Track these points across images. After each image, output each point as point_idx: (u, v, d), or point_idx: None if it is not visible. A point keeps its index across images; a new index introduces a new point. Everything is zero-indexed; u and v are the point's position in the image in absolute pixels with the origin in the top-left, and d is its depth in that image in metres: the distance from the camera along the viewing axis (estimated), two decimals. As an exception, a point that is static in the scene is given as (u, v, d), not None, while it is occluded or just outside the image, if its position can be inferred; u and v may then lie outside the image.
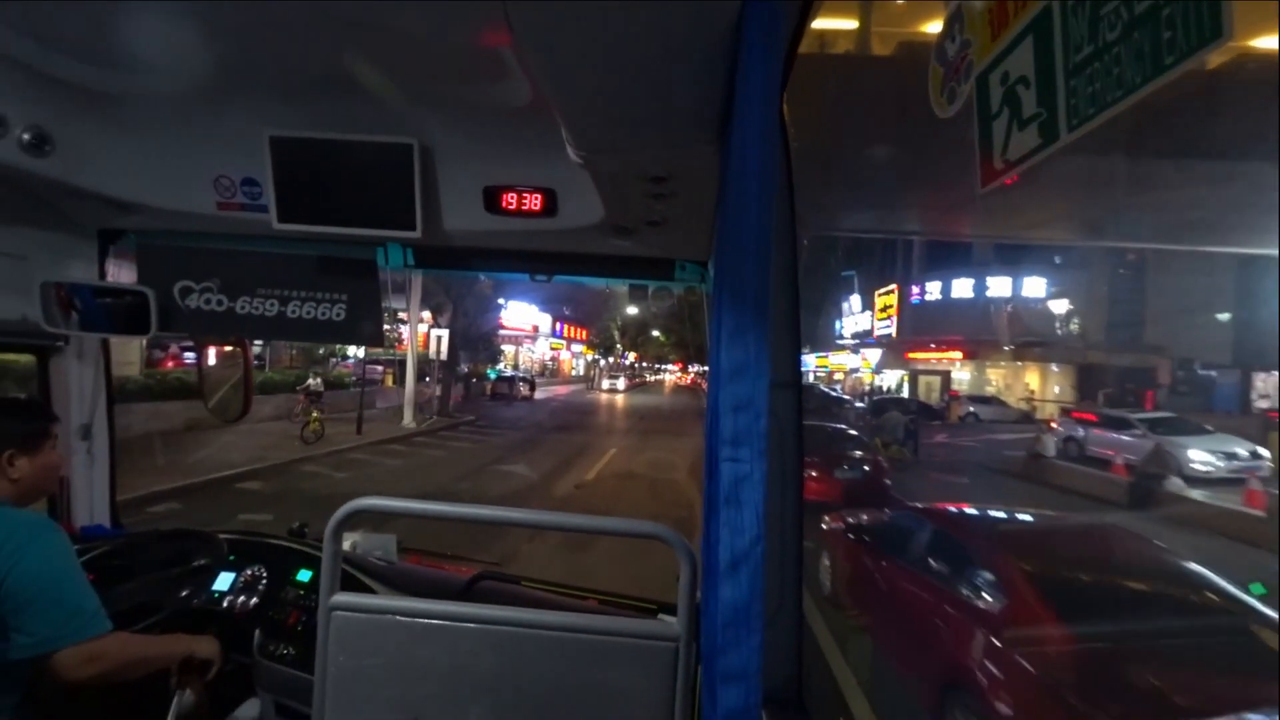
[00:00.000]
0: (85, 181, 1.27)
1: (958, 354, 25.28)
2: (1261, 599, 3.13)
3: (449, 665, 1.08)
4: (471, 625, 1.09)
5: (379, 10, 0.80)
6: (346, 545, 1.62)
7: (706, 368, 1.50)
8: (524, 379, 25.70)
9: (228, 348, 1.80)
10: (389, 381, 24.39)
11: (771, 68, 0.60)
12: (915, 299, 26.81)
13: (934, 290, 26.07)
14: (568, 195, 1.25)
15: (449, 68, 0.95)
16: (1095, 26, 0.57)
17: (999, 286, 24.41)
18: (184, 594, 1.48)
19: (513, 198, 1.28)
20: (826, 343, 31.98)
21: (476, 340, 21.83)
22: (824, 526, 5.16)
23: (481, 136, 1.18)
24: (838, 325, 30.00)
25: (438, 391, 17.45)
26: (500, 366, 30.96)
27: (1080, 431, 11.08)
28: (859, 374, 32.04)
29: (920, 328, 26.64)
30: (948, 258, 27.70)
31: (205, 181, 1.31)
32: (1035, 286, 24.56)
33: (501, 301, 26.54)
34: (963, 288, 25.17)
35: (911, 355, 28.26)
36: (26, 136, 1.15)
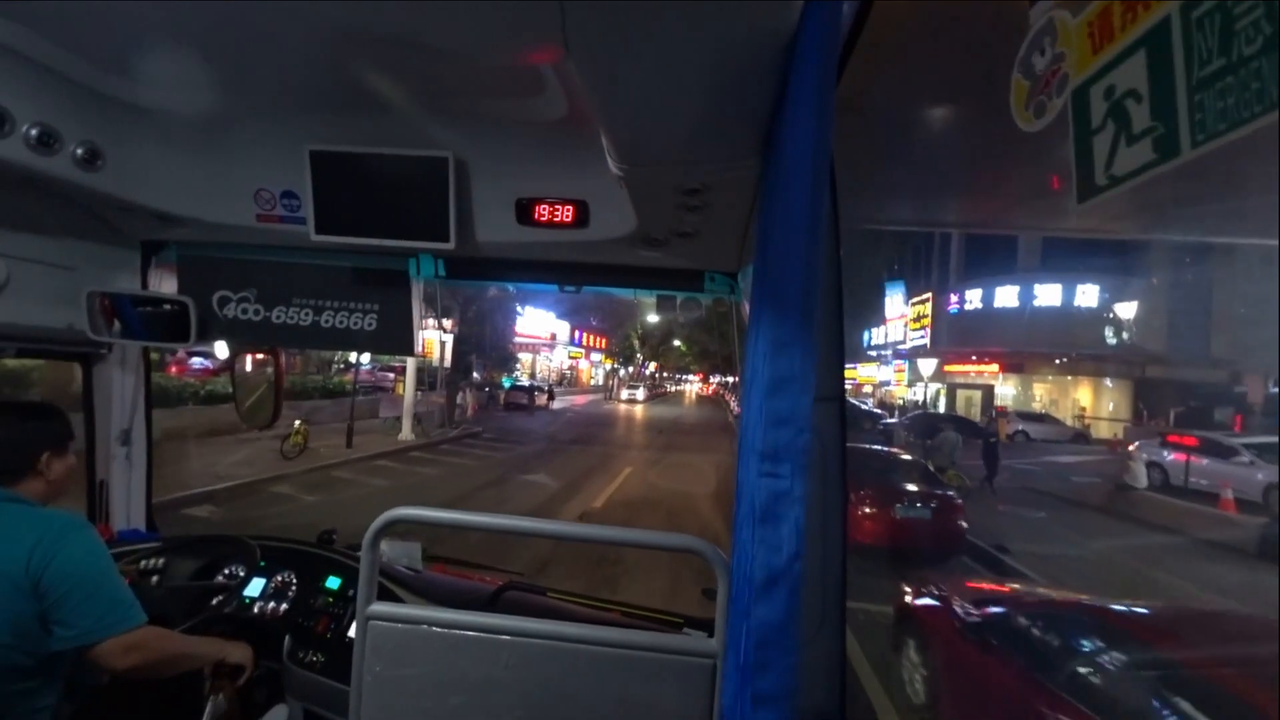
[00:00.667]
0: (133, 195, 1.31)
1: (994, 366, 23.18)
2: None
3: (483, 677, 1.08)
4: (506, 637, 1.09)
5: (433, 30, 0.81)
6: None
7: (729, 379, 1.57)
8: (540, 388, 24.44)
9: (260, 356, 1.83)
10: (400, 389, 23.17)
11: (826, 78, 0.61)
12: (954, 308, 25.51)
13: (974, 299, 24.87)
14: (600, 207, 1.27)
15: (486, 83, 0.97)
16: (1228, 40, 0.56)
17: (1048, 295, 22.98)
18: (217, 599, 1.49)
19: (545, 209, 1.30)
20: (854, 353, 28.92)
21: (490, 348, 20.70)
22: (908, 600, 3.76)
23: (515, 149, 1.20)
24: (866, 336, 28.15)
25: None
26: (517, 375, 29.79)
27: (1165, 456, 9.26)
28: (889, 387, 30.46)
29: (959, 339, 25.41)
30: (987, 265, 26.25)
31: (246, 194, 1.35)
32: (1089, 295, 22.38)
33: (518, 309, 25.29)
34: (1007, 296, 23.94)
35: (950, 368, 24.78)
36: (80, 151, 1.19)
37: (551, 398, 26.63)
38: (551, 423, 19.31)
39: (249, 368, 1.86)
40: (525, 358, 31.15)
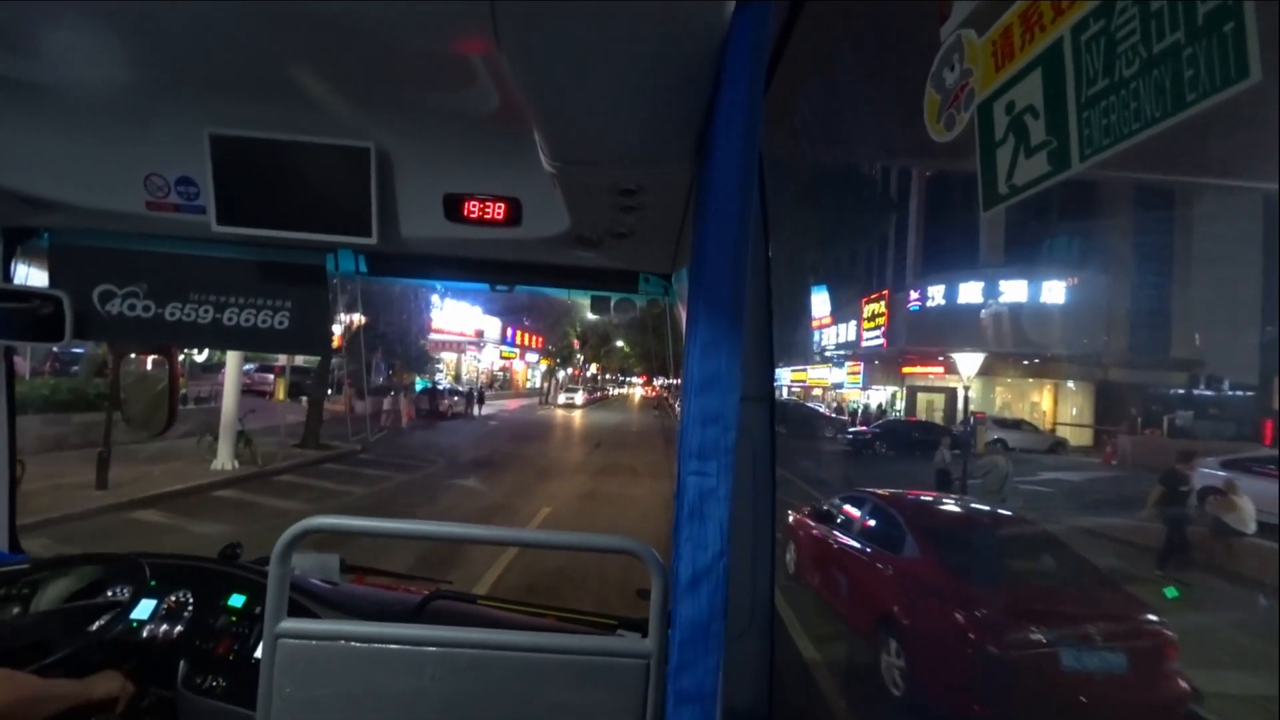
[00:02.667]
0: None
1: (932, 368, 20.93)
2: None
3: (408, 691, 1.05)
4: (431, 649, 1.06)
5: (354, 13, 0.77)
6: None
7: (673, 380, 1.57)
8: (460, 392, 20.63)
9: (151, 357, 1.69)
10: (280, 393, 18.44)
11: (756, 83, 0.63)
12: (914, 305, 24.73)
13: (937, 295, 23.91)
14: (533, 205, 1.24)
15: (413, 72, 0.94)
16: (1111, 61, 0.62)
17: (1014, 291, 22.09)
18: (96, 625, 1.39)
19: (475, 206, 1.25)
20: (803, 355, 30.28)
21: (396, 344, 16.80)
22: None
23: (444, 143, 1.17)
24: (818, 336, 25.65)
25: (361, 409, 15.77)
26: (439, 378, 25.64)
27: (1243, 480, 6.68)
28: (842, 389, 29.63)
29: (920, 338, 24.26)
30: (946, 260, 25.60)
31: (134, 179, 1.24)
32: (1055, 291, 21.99)
33: (434, 300, 21.10)
34: (971, 292, 22.97)
35: (909, 369, 24.03)
36: None
37: (480, 402, 24.67)
38: (465, 435, 16.95)
39: (140, 369, 1.69)
40: (450, 357, 26.97)
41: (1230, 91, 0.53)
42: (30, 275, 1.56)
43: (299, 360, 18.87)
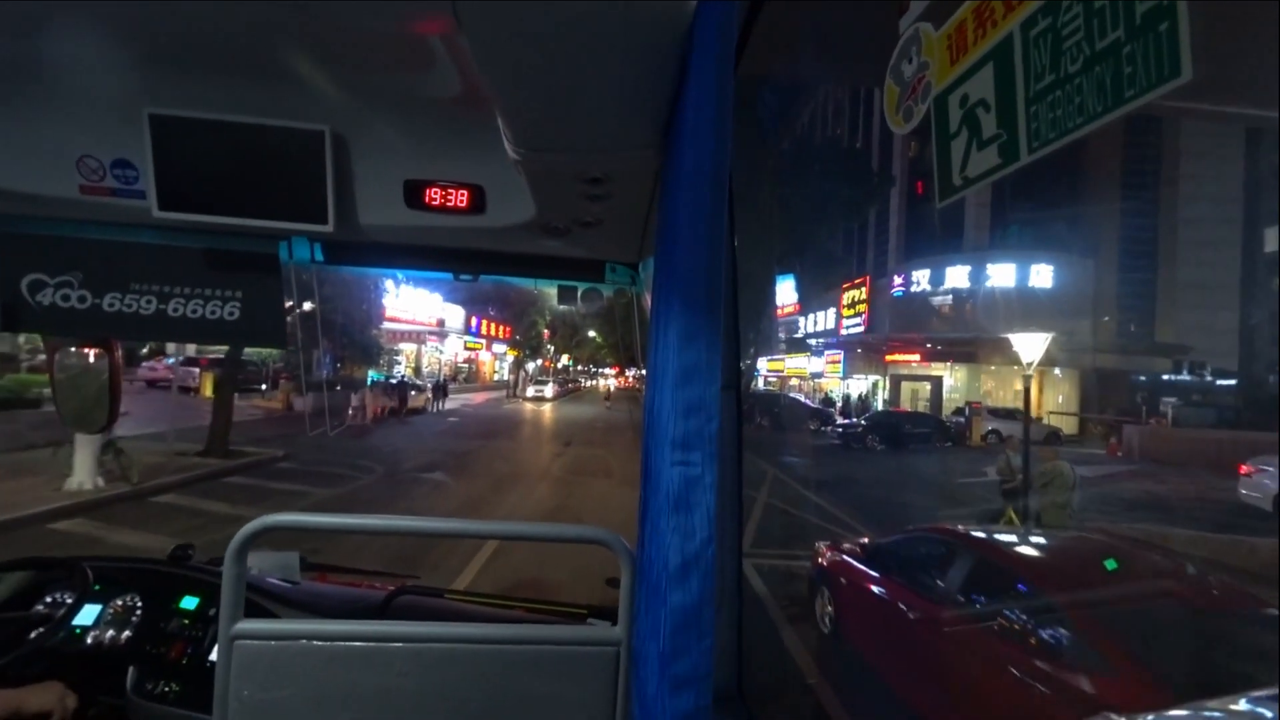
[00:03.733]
0: None
1: (915, 356, 20.33)
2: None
3: (373, 689, 1.03)
4: (396, 645, 1.05)
5: None
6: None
7: (642, 371, 1.49)
8: (418, 386, 18.29)
9: (90, 350, 1.60)
10: (207, 389, 16.28)
11: (724, 68, 0.64)
12: (898, 290, 23.99)
13: (922, 279, 23.25)
14: (497, 193, 1.21)
15: (371, 52, 0.92)
16: (1057, 58, 0.63)
17: (1002, 275, 21.41)
18: (35, 633, 1.37)
19: (437, 193, 1.21)
20: (777, 344, 29.29)
21: (341, 333, 14.81)
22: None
23: (404, 127, 1.14)
24: (801, 324, 24.59)
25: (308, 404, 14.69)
26: (399, 370, 23.60)
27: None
28: (821, 379, 29.10)
29: (904, 324, 23.52)
30: (929, 243, 25.13)
31: (66, 162, 1.17)
32: (1043, 275, 21.62)
33: (384, 286, 19.10)
34: (958, 276, 22.30)
35: (893, 358, 24.68)
36: None
37: (443, 396, 23.12)
38: (418, 434, 15.18)
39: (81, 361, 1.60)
40: (409, 348, 24.90)
41: (1164, 89, 0.55)
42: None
43: (233, 351, 16.83)
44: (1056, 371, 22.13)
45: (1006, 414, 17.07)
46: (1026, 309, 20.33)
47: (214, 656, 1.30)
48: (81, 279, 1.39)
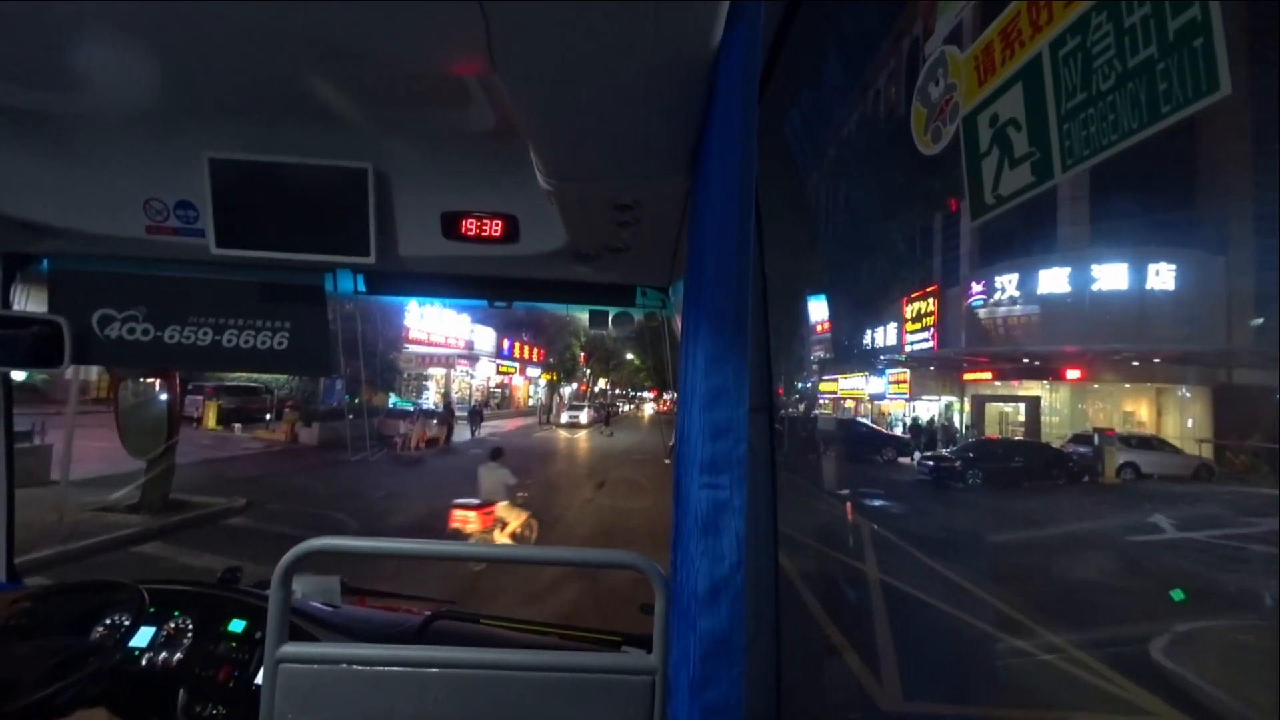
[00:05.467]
0: None
1: (987, 374, 17.07)
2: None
3: (412, 714, 1.08)
4: (434, 670, 1.09)
5: (349, 36, 0.82)
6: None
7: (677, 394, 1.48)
8: (434, 414, 18.88)
9: (151, 379, 1.74)
10: (210, 420, 14.41)
11: (749, 97, 0.67)
12: (977, 299, 20.46)
13: (1008, 286, 19.77)
14: (529, 221, 1.29)
15: (409, 93, 1.00)
16: (1088, 76, 0.64)
17: (1111, 277, 17.92)
18: (95, 654, 1.43)
19: (472, 224, 1.29)
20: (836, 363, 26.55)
21: (357, 359, 12.78)
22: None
23: (441, 162, 1.23)
24: (870, 337, 21.57)
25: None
26: (427, 396, 21.74)
27: None
28: (884, 401, 26.00)
29: (984, 337, 20.05)
30: (1011, 245, 20.62)
31: (134, 204, 1.30)
32: (1164, 277, 17.76)
33: (413, 308, 17.23)
34: (1055, 281, 18.80)
35: (972, 376, 21.85)
36: None
37: (479, 422, 21.55)
38: (427, 473, 13.02)
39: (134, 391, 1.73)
40: (437, 372, 23.18)
41: (1203, 103, 0.55)
42: (30, 300, 1.62)
43: (241, 378, 15.07)
44: (1183, 391, 18.33)
45: (1142, 443, 13.62)
46: (1144, 317, 16.82)
47: (259, 679, 1.34)
48: (145, 313, 1.51)
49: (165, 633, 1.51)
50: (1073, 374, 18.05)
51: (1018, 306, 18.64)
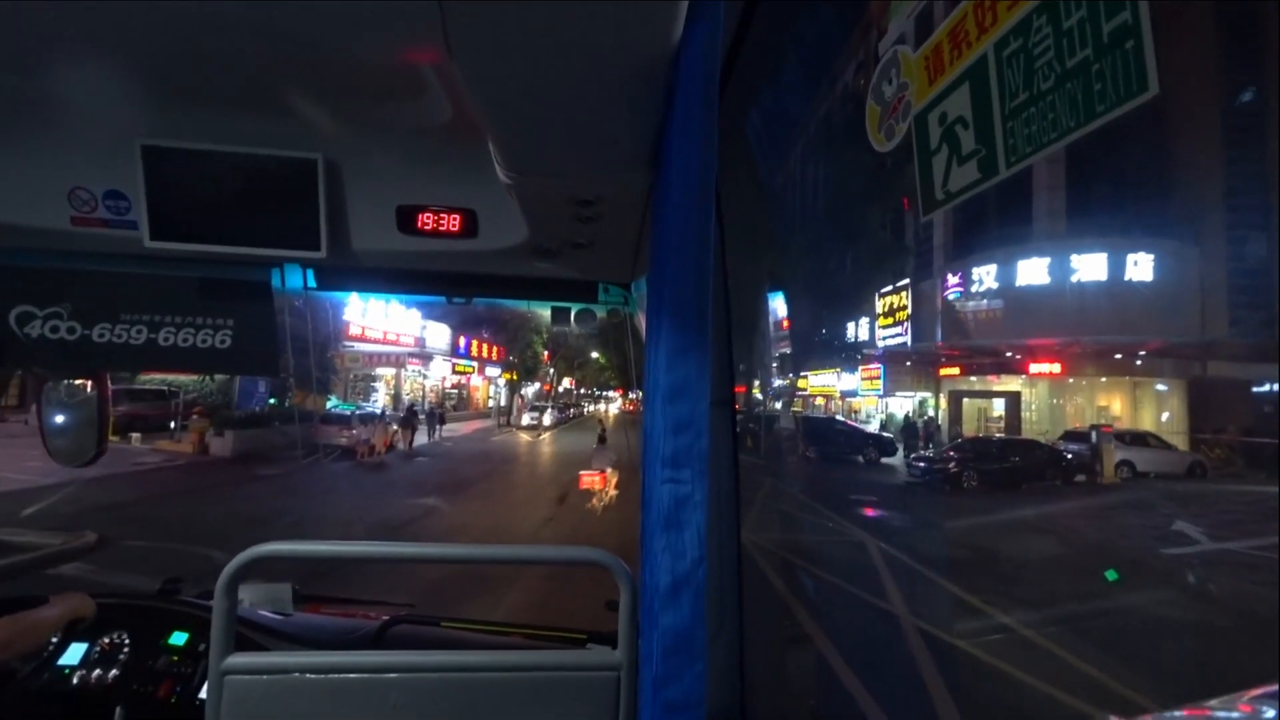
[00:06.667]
0: None
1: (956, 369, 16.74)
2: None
3: None
4: (393, 676, 1.05)
5: (296, 20, 0.79)
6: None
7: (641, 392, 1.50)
8: (376, 418, 17.05)
9: (77, 381, 1.64)
10: (109, 430, 10.75)
11: (710, 93, 0.67)
12: (954, 292, 19.85)
13: (986, 278, 19.14)
14: (489, 216, 1.25)
15: (362, 81, 0.96)
16: (1030, 76, 0.65)
17: (1091, 267, 17.33)
18: (21, 675, 1.38)
19: (429, 218, 1.23)
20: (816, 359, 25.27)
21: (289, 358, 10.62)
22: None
23: (396, 154, 1.18)
24: (846, 332, 20.77)
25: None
26: (375, 399, 19.83)
27: None
28: (855, 398, 25.27)
29: (961, 331, 19.29)
30: (985, 236, 20.07)
31: (57, 194, 1.21)
32: (1143, 267, 17.31)
33: (354, 301, 15.45)
34: (1034, 272, 18.22)
35: (948, 371, 21.04)
36: None
37: (438, 424, 20.00)
38: (351, 487, 11.50)
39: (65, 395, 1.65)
40: (386, 372, 21.23)
41: (1134, 103, 0.56)
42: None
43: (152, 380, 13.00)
44: (1159, 385, 17.96)
45: (1136, 439, 12.88)
46: (1122, 308, 16.35)
47: (204, 694, 1.30)
48: (71, 310, 1.42)
49: (99, 649, 1.45)
50: (1050, 368, 17.52)
51: (999, 299, 18.02)
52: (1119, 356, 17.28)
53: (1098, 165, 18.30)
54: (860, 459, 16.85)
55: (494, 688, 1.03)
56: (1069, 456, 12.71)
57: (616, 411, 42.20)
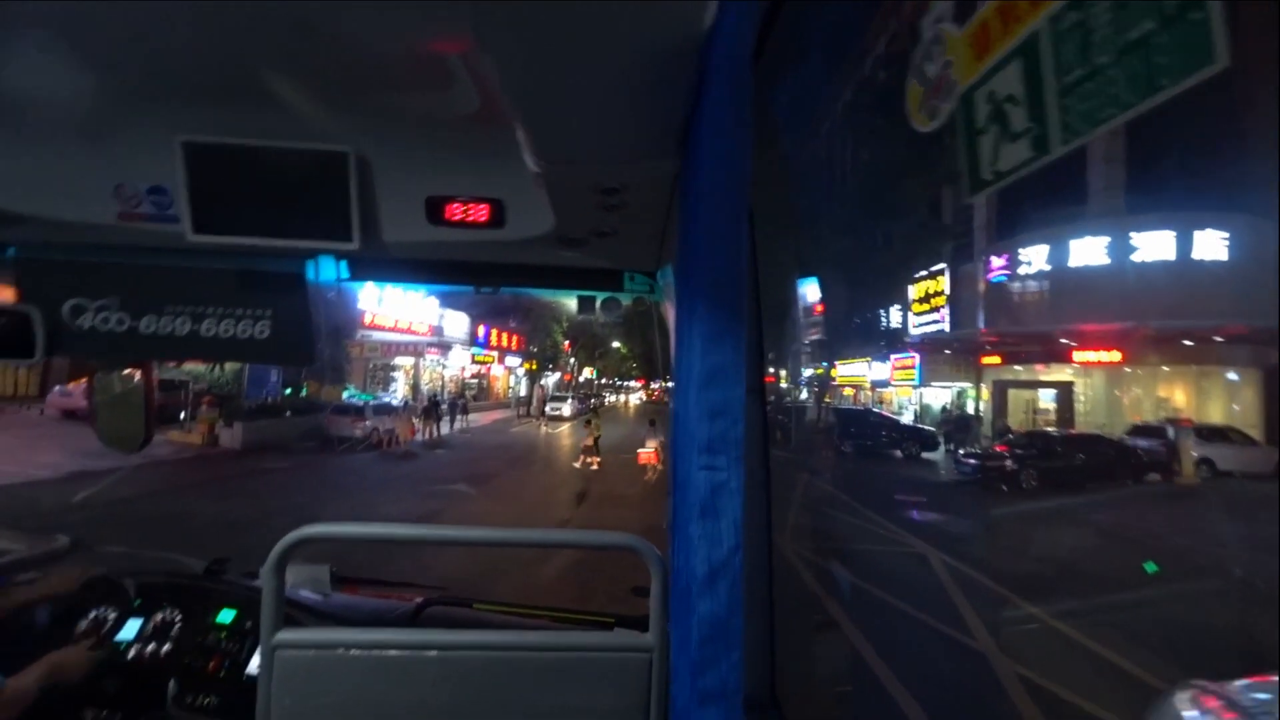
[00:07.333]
0: None
1: (1108, 354, 15.02)
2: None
3: (409, 698, 1.11)
4: (431, 654, 1.11)
5: (327, 12, 0.82)
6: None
7: (669, 384, 1.64)
8: (390, 407, 16.73)
9: (126, 371, 1.72)
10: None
11: (741, 74, 0.67)
12: (999, 275, 18.10)
13: (1036, 259, 17.30)
14: (516, 206, 1.27)
15: (392, 74, 0.99)
16: (1086, 50, 0.64)
17: (1155, 246, 15.36)
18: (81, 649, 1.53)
19: (458, 208, 1.26)
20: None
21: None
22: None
23: (424, 145, 1.22)
24: (881, 320, 19.79)
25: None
26: (393, 389, 19.61)
27: None
28: (886, 389, 24.02)
29: (1011, 316, 17.52)
30: (1029, 215, 18.04)
31: (104, 190, 1.28)
32: (1212, 244, 15.19)
33: (370, 288, 14.63)
34: (1090, 251, 16.30)
35: (990, 360, 19.20)
36: None
37: (456, 416, 19.34)
38: (359, 483, 11.11)
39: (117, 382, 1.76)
40: (404, 362, 21.00)
41: (1198, 77, 0.54)
42: None
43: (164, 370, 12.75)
44: (1231, 374, 16.46)
45: (1215, 434, 11.58)
46: (1191, 290, 14.94)
47: (251, 668, 1.42)
48: (119, 302, 1.48)
49: (153, 625, 1.54)
50: (1109, 355, 16.17)
51: (1047, 281, 16.69)
52: (1188, 343, 15.86)
53: (1162, 135, 16.73)
54: (898, 453, 15.85)
55: (528, 666, 1.08)
56: (1141, 453, 11.58)
57: (638, 402, 41.58)
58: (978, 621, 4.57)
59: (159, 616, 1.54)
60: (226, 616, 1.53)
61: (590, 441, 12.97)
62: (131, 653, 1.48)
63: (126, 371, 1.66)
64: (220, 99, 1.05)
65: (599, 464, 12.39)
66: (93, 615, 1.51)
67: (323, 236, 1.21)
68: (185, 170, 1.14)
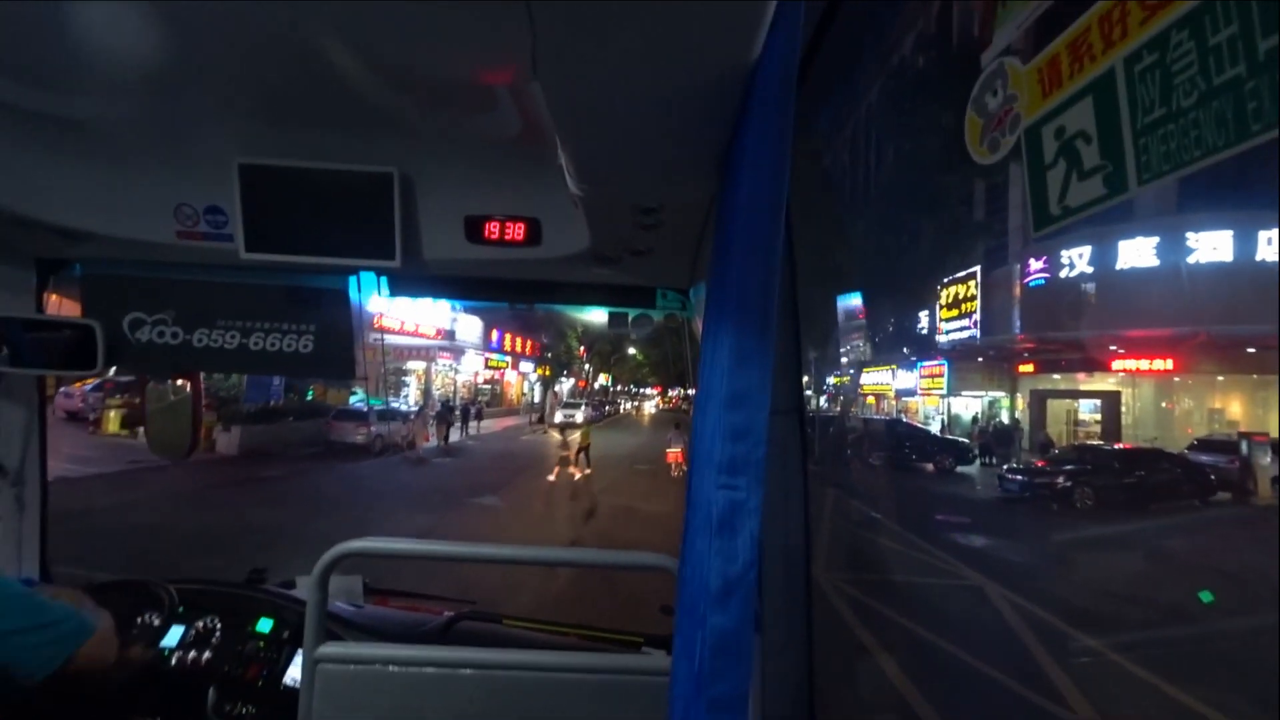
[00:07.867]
0: (27, 209, 1.31)
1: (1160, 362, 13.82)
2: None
3: (445, 715, 1.15)
4: (467, 671, 1.16)
5: (390, 44, 0.85)
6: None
7: (688, 391, 1.82)
8: (401, 414, 16.58)
9: (181, 381, 1.76)
10: (112, 424, 10.70)
11: (785, 96, 0.68)
12: (1037, 279, 17.18)
13: (1078, 260, 16.17)
14: (552, 224, 1.32)
15: (438, 99, 1.04)
16: (1167, 92, 0.63)
17: (1213, 247, 14.06)
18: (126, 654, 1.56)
19: (495, 227, 1.32)
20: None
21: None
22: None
23: (465, 166, 1.28)
24: (911, 327, 18.82)
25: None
26: (405, 394, 19.06)
27: None
28: (913, 398, 22.94)
29: (1050, 322, 16.56)
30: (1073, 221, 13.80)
31: (164, 210, 1.35)
32: (1275, 245, 14.33)
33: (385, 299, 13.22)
34: (1139, 253, 15.11)
35: (1027, 368, 18.51)
36: None
37: (469, 421, 19.34)
38: (349, 497, 10.15)
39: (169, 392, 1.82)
40: (416, 366, 20.58)
41: None
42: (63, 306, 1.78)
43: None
44: (1291, 383, 15.27)
45: (1280, 449, 10.53)
46: (1255, 294, 13.90)
47: (288, 679, 1.45)
48: (174, 316, 1.55)
49: (195, 632, 1.57)
50: (1162, 364, 15.02)
51: (1091, 284, 15.61)
52: (1252, 350, 14.64)
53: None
54: (929, 466, 14.84)
55: (559, 687, 1.13)
56: (1208, 471, 10.28)
57: (653, 410, 40.90)
58: (1067, 681, 3.59)
59: (200, 624, 1.56)
60: (265, 626, 1.55)
61: (572, 452, 11.98)
62: (174, 660, 1.50)
63: (180, 383, 1.71)
64: (275, 122, 1.10)
65: (584, 475, 11.77)
66: (140, 620, 1.53)
67: (366, 254, 1.26)
68: (240, 191, 1.19)
